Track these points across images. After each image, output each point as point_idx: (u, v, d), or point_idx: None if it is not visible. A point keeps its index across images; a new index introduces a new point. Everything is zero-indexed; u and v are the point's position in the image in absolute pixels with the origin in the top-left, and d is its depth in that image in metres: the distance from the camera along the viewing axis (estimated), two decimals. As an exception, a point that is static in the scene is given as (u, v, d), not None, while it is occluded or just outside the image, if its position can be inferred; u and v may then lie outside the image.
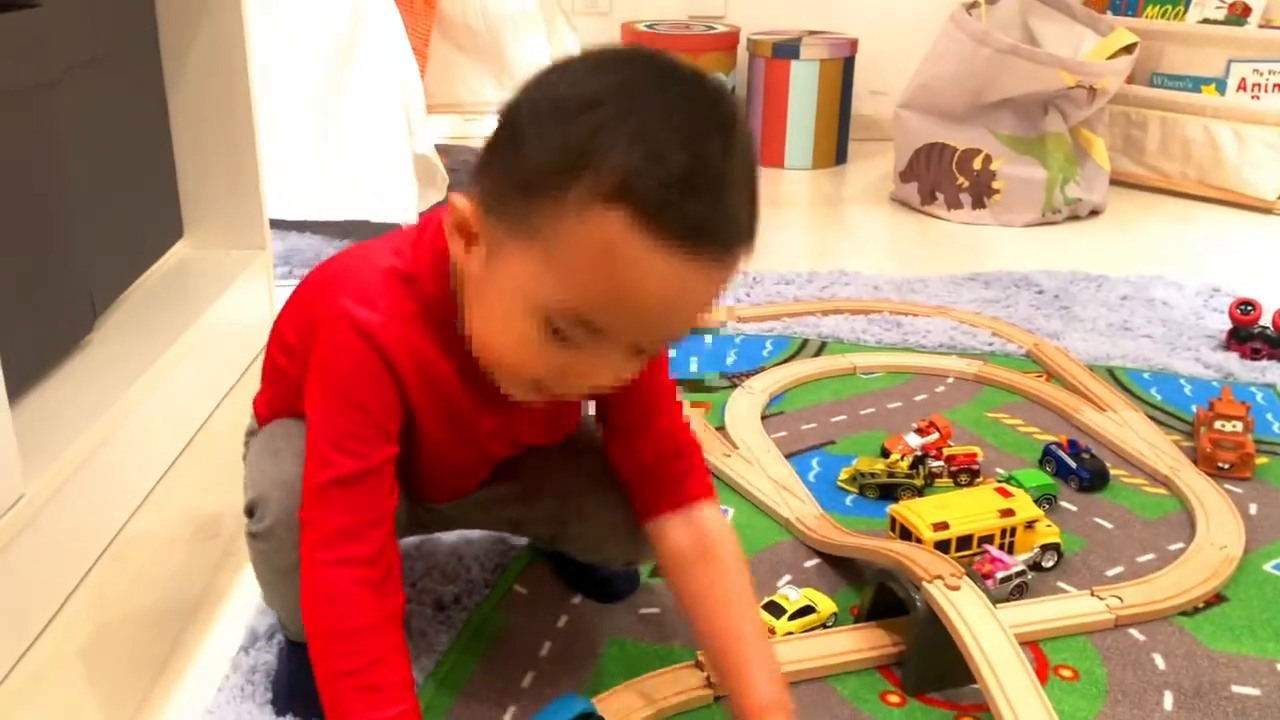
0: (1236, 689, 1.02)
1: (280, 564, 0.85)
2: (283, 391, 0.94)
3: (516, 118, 0.72)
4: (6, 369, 1.04)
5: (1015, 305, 1.91)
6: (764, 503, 1.28)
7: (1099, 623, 1.09)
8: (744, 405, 1.51)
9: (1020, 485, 1.27)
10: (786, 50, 2.76)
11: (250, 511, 0.89)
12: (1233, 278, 2.05)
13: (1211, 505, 1.28)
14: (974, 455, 1.36)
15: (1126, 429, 1.47)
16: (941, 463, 1.34)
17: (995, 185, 2.42)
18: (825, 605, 1.09)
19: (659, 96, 0.69)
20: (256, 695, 0.97)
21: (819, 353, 1.71)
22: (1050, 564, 1.18)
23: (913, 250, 2.30)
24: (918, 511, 1.18)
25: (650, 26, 2.83)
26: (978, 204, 2.44)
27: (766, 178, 2.80)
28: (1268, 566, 1.20)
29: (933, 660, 1.00)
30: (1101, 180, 2.51)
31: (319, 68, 1.96)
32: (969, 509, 1.18)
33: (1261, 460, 1.40)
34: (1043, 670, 1.04)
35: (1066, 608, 1.11)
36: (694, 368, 1.65)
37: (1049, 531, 1.19)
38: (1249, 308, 1.73)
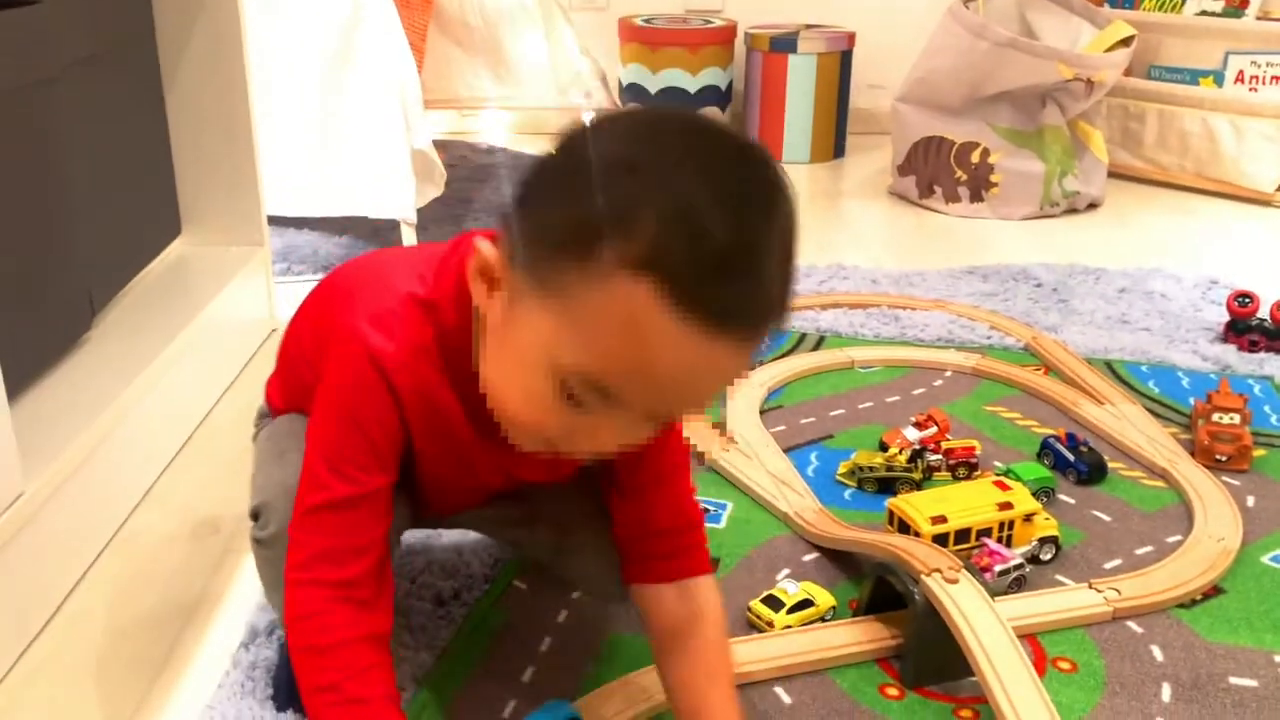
0: (1234, 680, 1.02)
1: (283, 569, 0.85)
2: (295, 388, 0.95)
3: (552, 171, 0.70)
4: (5, 367, 1.04)
5: (1013, 298, 1.91)
6: (762, 497, 1.28)
7: (1097, 615, 1.09)
8: (742, 399, 1.51)
9: (1018, 478, 1.27)
10: (784, 44, 2.75)
11: (255, 516, 0.89)
12: (1231, 270, 2.05)
13: (1209, 497, 1.29)
14: (972, 449, 1.36)
15: (1124, 422, 1.47)
16: (940, 456, 1.35)
17: (993, 178, 2.42)
18: (824, 599, 1.09)
19: (699, 165, 0.67)
20: (257, 691, 0.98)
21: (817, 346, 1.72)
22: (1048, 557, 1.19)
23: (911, 244, 2.30)
24: (916, 505, 1.18)
25: (648, 21, 2.83)
26: (976, 197, 2.44)
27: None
28: (1265, 558, 1.20)
29: (931, 653, 1.01)
30: (1099, 173, 2.51)
31: (316, 64, 1.96)
32: (967, 502, 1.19)
33: (1259, 452, 1.40)
34: (1041, 662, 1.04)
35: (1064, 600, 1.11)
36: (692, 362, 1.65)
37: (1047, 524, 1.20)
38: (1247, 300, 1.73)
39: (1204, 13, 2.63)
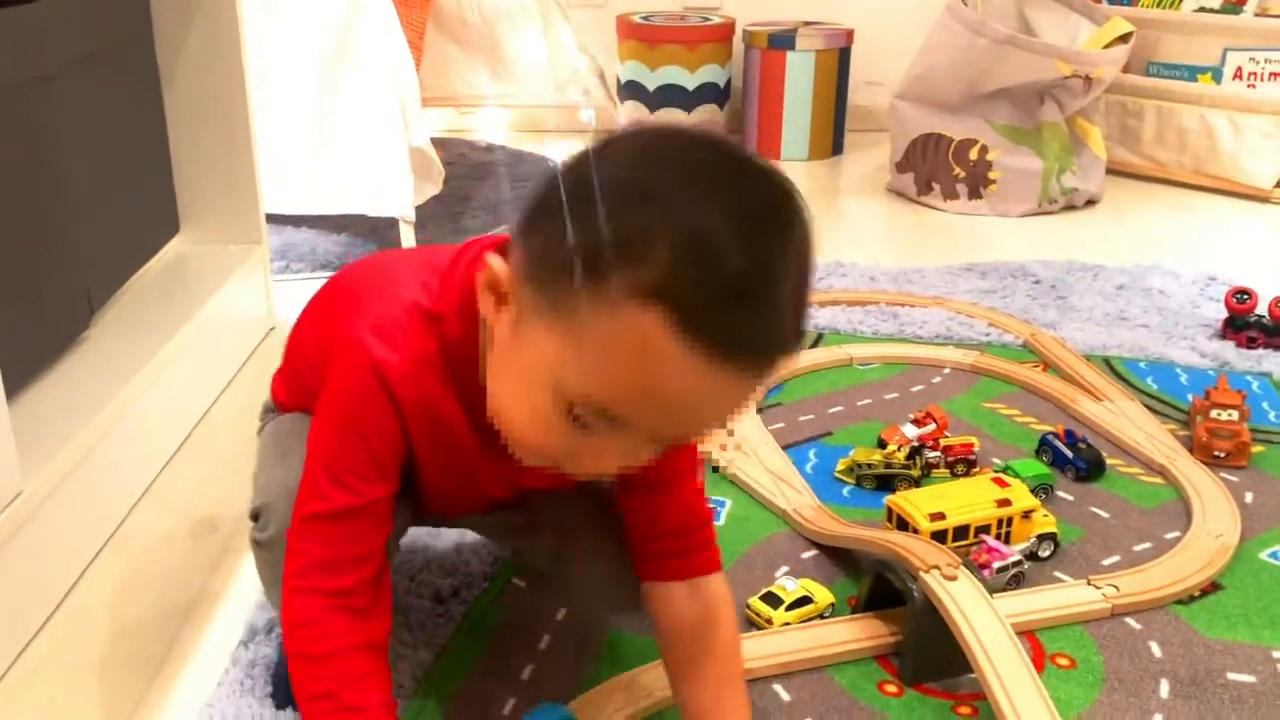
0: (1232, 676, 1.02)
1: (281, 570, 0.85)
2: (299, 387, 0.95)
3: (565, 191, 0.69)
4: (4, 365, 1.05)
5: (1012, 295, 1.91)
6: (761, 494, 1.28)
7: (1095, 612, 1.10)
8: (741, 397, 1.51)
9: (1017, 475, 1.27)
10: (782, 41, 2.75)
11: (255, 517, 0.89)
12: (1229, 266, 2.05)
13: (1207, 494, 1.29)
14: (970, 445, 1.36)
15: (1123, 418, 1.47)
16: (938, 453, 1.35)
17: (991, 175, 2.42)
18: (822, 596, 1.09)
19: (712, 189, 0.66)
20: (256, 689, 0.98)
21: (816, 344, 1.72)
22: (1047, 554, 1.19)
23: (909, 241, 2.30)
24: (914, 502, 1.18)
25: (646, 19, 2.83)
26: (974, 194, 2.44)
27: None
28: (1263, 554, 1.20)
29: (930, 650, 1.01)
30: (1098, 170, 2.51)
31: (314, 62, 1.96)
32: (966, 499, 1.19)
33: (1257, 449, 1.40)
34: (1039, 659, 1.04)
35: (1063, 597, 1.11)
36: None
37: (1046, 521, 1.20)
38: (1245, 296, 1.73)
39: (1202, 9, 2.63)
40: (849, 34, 2.80)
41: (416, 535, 1.18)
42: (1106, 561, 1.19)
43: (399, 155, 1.93)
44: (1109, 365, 1.65)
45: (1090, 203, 2.52)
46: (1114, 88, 2.57)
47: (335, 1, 1.94)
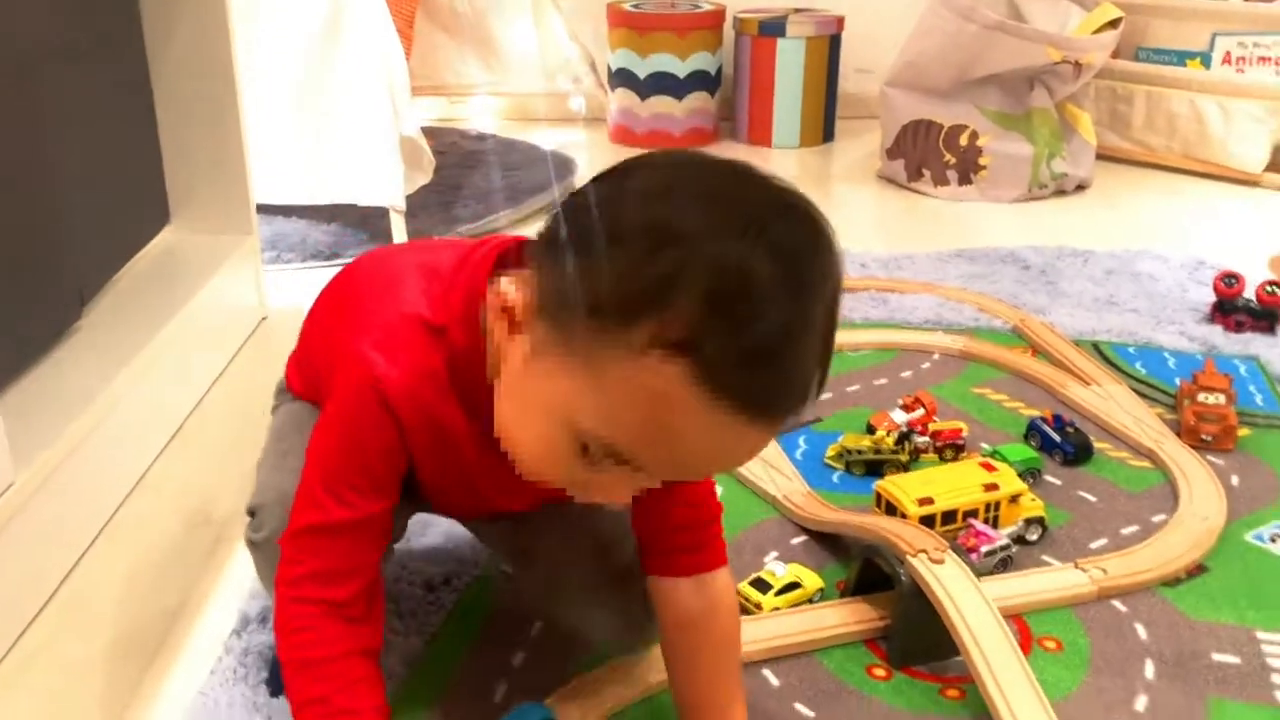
0: (1216, 657, 1.03)
1: (275, 570, 0.85)
2: (310, 378, 0.95)
3: (587, 226, 0.66)
4: (-6, 357, 1.05)
5: (1001, 281, 1.92)
6: (751, 480, 1.29)
7: (1082, 594, 1.10)
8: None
9: (1005, 460, 1.28)
10: (772, 28, 2.75)
11: (251, 514, 0.89)
12: (1218, 251, 2.05)
13: (1194, 477, 1.29)
14: (959, 431, 1.37)
15: (1111, 402, 1.48)
16: (927, 438, 1.36)
17: (982, 161, 2.43)
18: (811, 580, 1.10)
19: (747, 236, 0.63)
20: (249, 677, 0.98)
21: (806, 331, 1.72)
22: (1034, 537, 1.20)
23: (899, 227, 2.31)
24: (903, 487, 1.19)
25: (636, 6, 2.83)
26: (964, 180, 2.45)
27: (754, 156, 2.80)
28: (1248, 536, 1.21)
29: (918, 633, 1.02)
30: (1088, 155, 2.52)
31: (303, 52, 1.96)
32: (954, 484, 1.20)
33: (1244, 432, 1.41)
34: (1026, 642, 1.05)
35: (1050, 580, 1.12)
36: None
37: (1033, 505, 1.20)
38: (1233, 280, 1.74)
39: (1191, -6, 2.64)
40: (839, 21, 2.80)
41: (408, 523, 1.18)
42: (1094, 545, 1.20)
43: (389, 144, 1.93)
44: (1098, 350, 1.65)
45: (1080, 188, 2.52)
46: (1104, 73, 2.57)
47: (324, -9, 1.93)
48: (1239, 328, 1.71)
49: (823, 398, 1.51)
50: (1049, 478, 1.32)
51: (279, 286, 1.81)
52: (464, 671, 1.01)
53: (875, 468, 1.32)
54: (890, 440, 1.34)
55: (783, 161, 2.75)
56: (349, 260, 1.04)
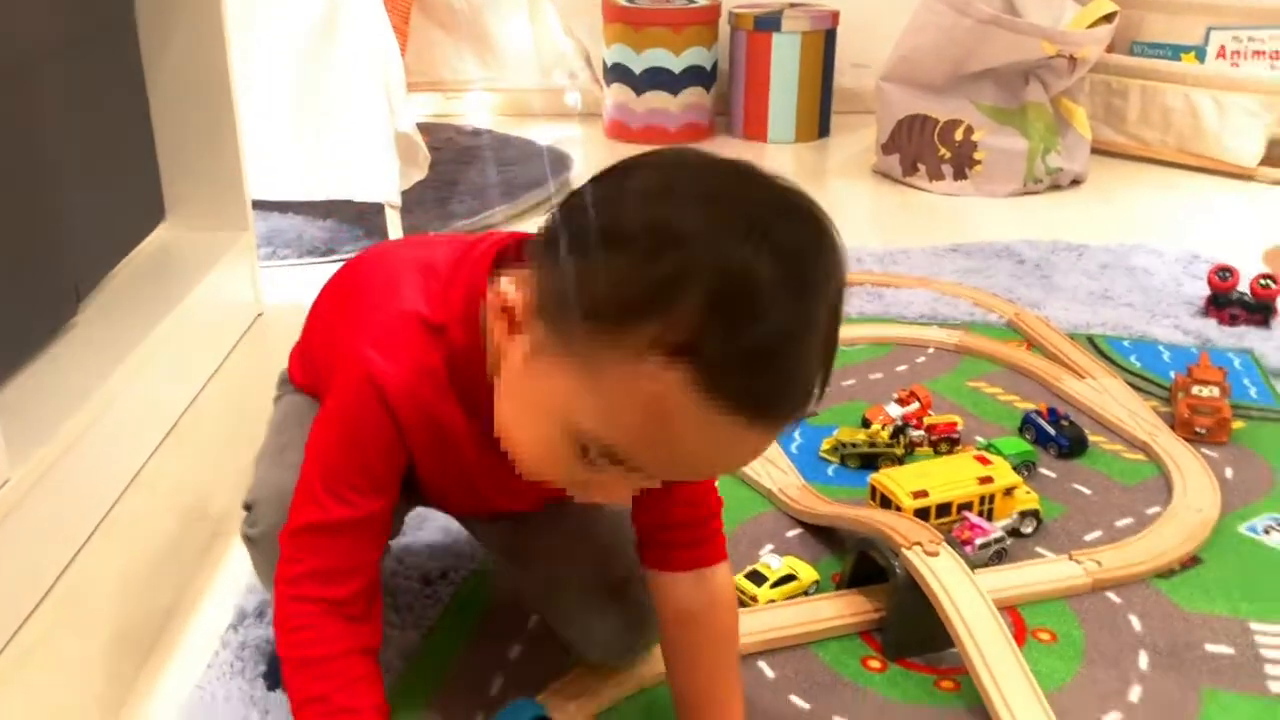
0: (1210, 648, 1.04)
1: (274, 562, 0.85)
2: (311, 372, 0.95)
3: (587, 227, 0.66)
4: (-10, 353, 1.05)
5: (996, 275, 1.92)
6: (746, 474, 1.29)
7: (1077, 586, 1.11)
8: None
9: (999, 453, 1.28)
10: (768, 23, 2.75)
11: (247, 508, 0.89)
12: (1212, 244, 2.06)
13: (1188, 469, 1.30)
14: (954, 424, 1.37)
15: (1105, 396, 1.48)
16: (922, 432, 1.36)
17: (977, 156, 2.43)
18: (807, 573, 1.11)
19: (750, 239, 0.63)
20: (246, 671, 0.98)
21: (801, 325, 1.72)
22: (1029, 530, 1.20)
23: (895, 222, 2.31)
24: (898, 480, 1.19)
25: (631, 1, 2.83)
26: (959, 175, 2.45)
27: (749, 151, 2.79)
28: (1242, 528, 1.22)
29: (912, 625, 1.02)
30: (1083, 149, 2.52)
31: (298, 48, 1.96)
32: (948, 477, 1.20)
33: (1238, 425, 1.41)
34: (1021, 634, 1.05)
35: (1044, 572, 1.12)
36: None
37: (1028, 498, 1.21)
38: (1227, 274, 1.74)
39: (1186, -12, 2.64)
40: (834, 15, 2.80)
41: (406, 518, 1.19)
42: (1088, 537, 1.21)
43: (385, 140, 1.93)
44: (1092, 343, 1.66)
45: (1075, 182, 2.52)
46: (1098, 67, 2.57)
47: (319, -13, 1.93)
48: (1233, 321, 1.72)
49: (818, 392, 1.51)
50: (1044, 471, 1.32)
51: (274, 283, 1.81)
52: (460, 665, 1.01)
53: (870, 461, 1.32)
54: (885, 434, 1.35)
55: (778, 156, 2.75)
56: (345, 256, 1.05)
